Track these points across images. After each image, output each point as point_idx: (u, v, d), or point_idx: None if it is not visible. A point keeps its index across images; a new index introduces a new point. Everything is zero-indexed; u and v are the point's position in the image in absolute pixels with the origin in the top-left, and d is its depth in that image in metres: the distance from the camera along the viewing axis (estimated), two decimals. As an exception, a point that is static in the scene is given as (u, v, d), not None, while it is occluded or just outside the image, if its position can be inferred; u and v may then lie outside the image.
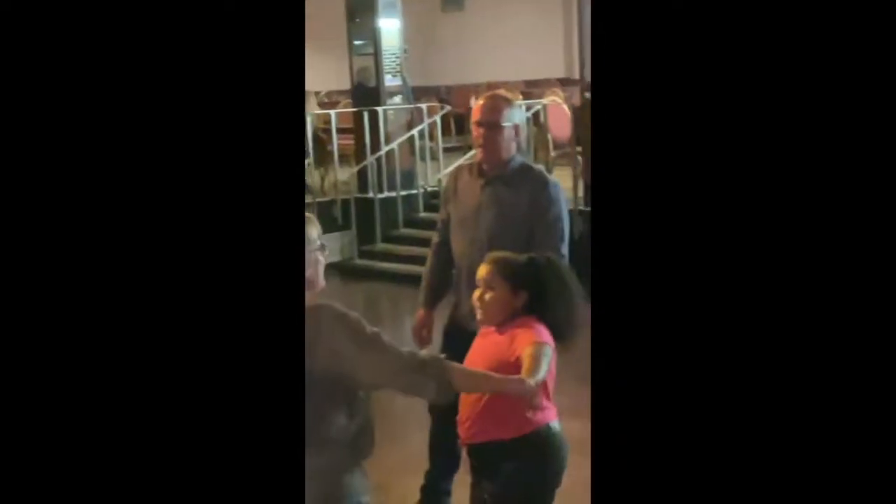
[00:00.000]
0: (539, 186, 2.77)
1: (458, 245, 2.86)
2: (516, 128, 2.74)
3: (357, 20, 8.04)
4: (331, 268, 3.00)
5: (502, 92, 3.24)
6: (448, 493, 3.12)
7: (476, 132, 2.74)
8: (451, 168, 5.25)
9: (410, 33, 8.66)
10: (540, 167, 3.43)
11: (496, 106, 2.75)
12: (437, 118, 7.70)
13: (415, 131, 7.77)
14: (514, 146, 2.76)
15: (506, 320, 2.14)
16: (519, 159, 2.82)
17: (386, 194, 7.66)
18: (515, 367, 1.97)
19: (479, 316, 2.19)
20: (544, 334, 2.06)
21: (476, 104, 2.86)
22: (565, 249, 2.71)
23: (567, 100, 7.68)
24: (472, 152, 3.46)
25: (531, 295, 2.15)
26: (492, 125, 2.69)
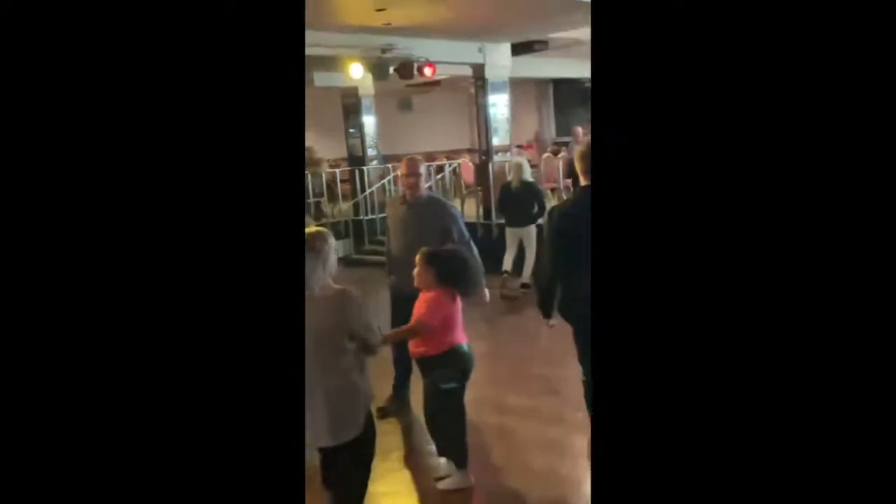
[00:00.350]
0: (441, 207, 3.69)
1: (393, 245, 3.76)
2: (423, 176, 3.66)
3: (350, 117, 10.79)
4: (339, 260, 3.39)
5: (416, 157, 3.95)
6: (407, 388, 4.04)
7: (404, 180, 3.68)
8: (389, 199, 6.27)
9: (381, 124, 11.01)
10: (440, 197, 4.23)
11: (414, 164, 3.69)
12: (398, 173, 9.02)
13: (384, 181, 10.45)
14: (424, 186, 3.67)
15: (430, 287, 2.93)
16: (427, 194, 3.70)
17: (369, 217, 10.21)
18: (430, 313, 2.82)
19: (416, 283, 2.97)
20: (444, 304, 2.86)
21: (402, 164, 3.76)
22: (469, 241, 3.58)
23: (472, 160, 10.35)
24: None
25: (443, 272, 2.91)
26: (412, 175, 3.64)
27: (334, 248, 2.38)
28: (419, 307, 2.96)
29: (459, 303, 3.01)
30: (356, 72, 8.47)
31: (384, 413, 3.88)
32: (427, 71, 8.50)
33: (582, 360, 3.16)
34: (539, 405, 4.16)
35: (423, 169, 3.77)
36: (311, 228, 2.37)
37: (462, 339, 3.04)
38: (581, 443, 3.48)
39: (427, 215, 3.67)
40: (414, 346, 3.01)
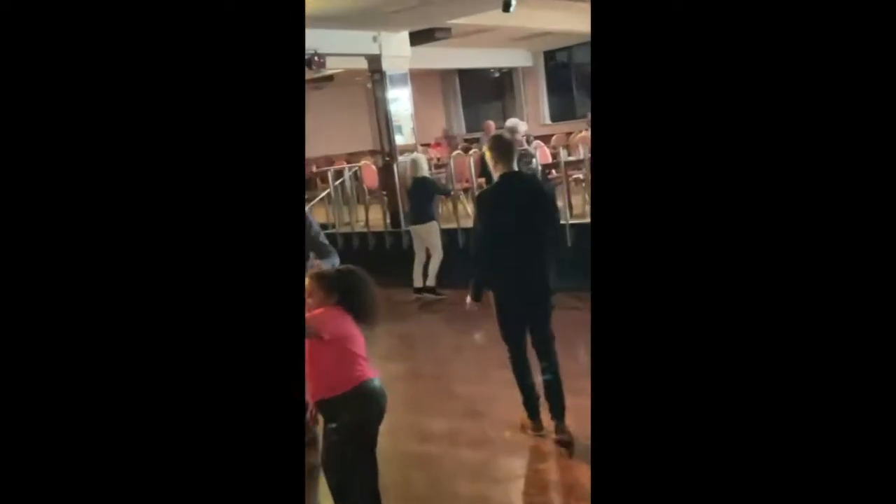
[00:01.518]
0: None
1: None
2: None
3: None
4: None
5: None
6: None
7: None
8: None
9: None
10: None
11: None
12: None
13: None
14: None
15: (322, 305, 2.68)
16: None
17: None
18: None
19: (308, 304, 2.62)
20: (338, 320, 2.67)
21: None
22: (328, 250, 3.55)
23: (374, 163, 10.15)
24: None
25: (342, 293, 2.73)
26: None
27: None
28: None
29: (359, 331, 2.76)
30: None
31: None
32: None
33: (507, 339, 3.58)
34: (462, 427, 4.10)
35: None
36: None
37: (368, 372, 2.73)
38: (511, 465, 3.51)
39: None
40: (313, 389, 2.66)
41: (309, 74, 8.74)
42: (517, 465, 3.54)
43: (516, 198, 3.49)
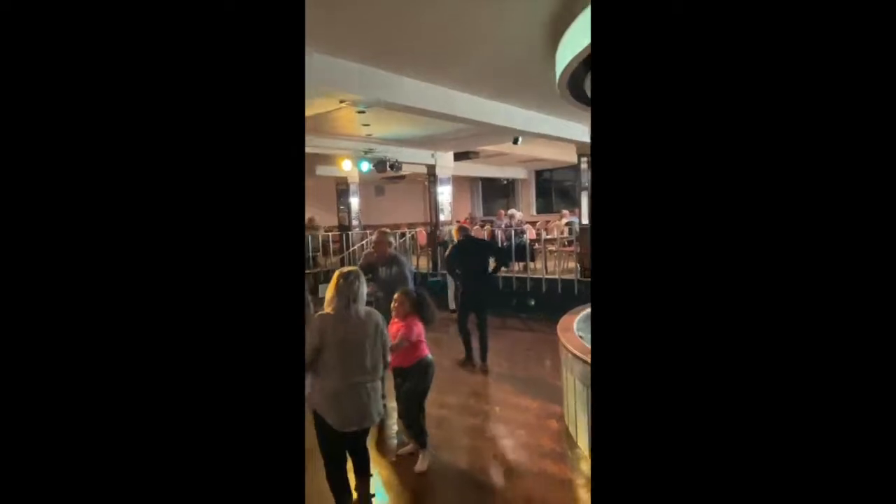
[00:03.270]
0: (401, 263, 3.93)
1: (377, 288, 3.91)
2: (389, 243, 3.97)
3: (340, 198, 11.08)
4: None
5: (383, 230, 4.25)
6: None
7: (376, 246, 3.95)
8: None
9: (362, 203, 11.27)
10: (400, 254, 4.22)
11: (382, 237, 4.01)
12: (372, 238, 10.45)
13: (363, 242, 10.39)
14: (389, 249, 3.96)
15: (405, 315, 2.94)
16: (392, 253, 3.98)
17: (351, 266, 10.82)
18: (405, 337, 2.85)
19: (394, 312, 2.96)
20: (415, 326, 2.87)
21: (374, 236, 4.16)
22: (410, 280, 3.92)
23: (425, 229, 10.49)
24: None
25: (414, 306, 2.95)
26: (380, 243, 3.97)
27: (364, 283, 2.43)
28: (398, 329, 2.97)
29: (423, 328, 3.08)
30: (346, 165, 9.04)
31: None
32: (364, 166, 8.81)
33: (460, 317, 5.11)
34: (467, 402, 4.21)
35: (389, 238, 4.09)
36: (347, 268, 2.44)
37: (426, 352, 3.08)
38: (498, 429, 3.61)
39: (393, 269, 3.97)
40: (393, 363, 2.93)
41: (391, 174, 9.55)
42: (503, 430, 3.55)
43: (470, 245, 5.19)
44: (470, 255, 5.08)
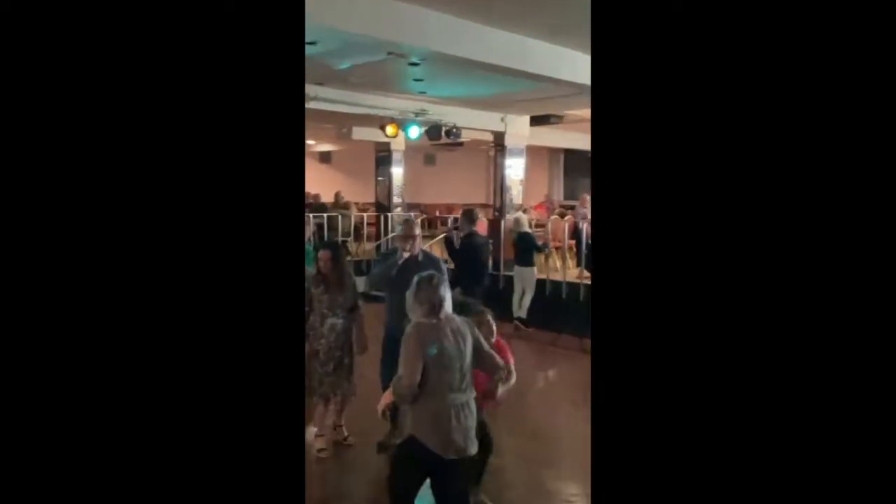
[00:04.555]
0: (435, 261, 3.92)
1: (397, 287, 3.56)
2: (419, 237, 3.95)
3: (380, 167, 11.21)
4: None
5: (411, 218, 4.55)
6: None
7: (401, 242, 3.87)
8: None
9: (407, 175, 11.50)
10: (431, 252, 4.42)
11: (410, 227, 3.94)
12: (418, 220, 10.66)
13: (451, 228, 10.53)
14: (419, 245, 3.94)
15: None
16: (421, 251, 3.95)
17: None
18: None
19: (485, 332, 2.92)
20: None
21: (399, 227, 4.11)
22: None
23: (485, 215, 10.19)
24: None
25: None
26: (411, 238, 3.86)
27: (448, 288, 2.55)
28: (505, 353, 2.93)
29: None
30: (414, 132, 8.89)
31: (382, 448, 3.86)
32: (389, 130, 8.76)
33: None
34: (527, 446, 4.32)
35: (417, 230, 4.02)
36: (428, 274, 2.56)
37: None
38: (570, 489, 3.69)
39: (425, 267, 3.81)
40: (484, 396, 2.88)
41: (446, 141, 9.48)
42: (574, 488, 3.60)
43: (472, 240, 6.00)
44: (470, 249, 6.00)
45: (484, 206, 12.77)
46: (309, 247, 6.69)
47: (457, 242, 6.53)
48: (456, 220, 10.68)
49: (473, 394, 2.54)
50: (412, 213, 10.90)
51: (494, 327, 3.09)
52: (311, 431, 3.98)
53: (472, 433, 2.50)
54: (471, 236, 6.11)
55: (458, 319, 2.55)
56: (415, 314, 2.51)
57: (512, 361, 2.86)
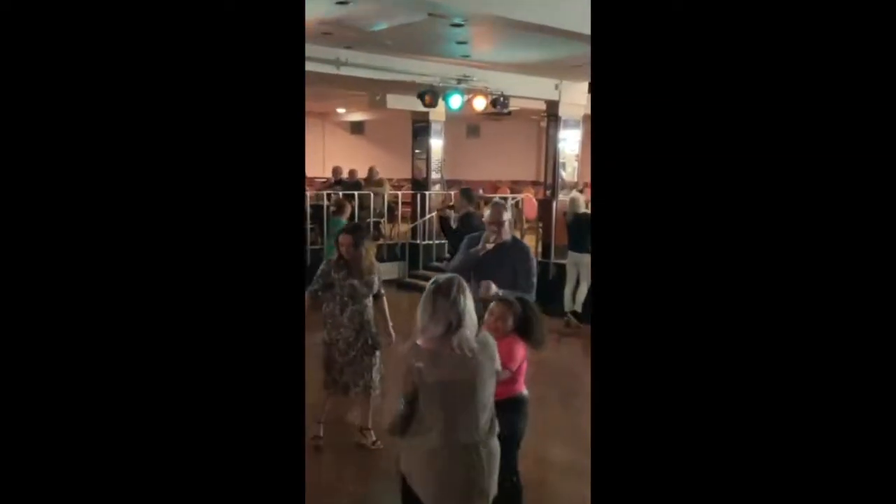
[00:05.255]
0: (523, 250, 3.95)
1: (481, 274, 3.71)
2: (508, 222, 3.87)
3: (417, 138, 11.26)
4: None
5: (499, 200, 4.19)
6: None
7: (489, 227, 3.83)
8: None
9: (447, 148, 11.53)
10: (521, 240, 4.44)
11: (498, 212, 3.88)
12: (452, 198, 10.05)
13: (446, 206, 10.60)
14: (509, 230, 3.88)
15: (504, 334, 2.88)
16: (511, 237, 3.93)
17: (426, 242, 10.52)
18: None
19: (489, 328, 2.77)
20: (518, 350, 2.89)
21: (487, 211, 3.96)
22: (533, 283, 3.83)
23: (535, 195, 10.70)
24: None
25: (519, 322, 2.91)
26: (498, 224, 3.85)
27: (470, 297, 2.25)
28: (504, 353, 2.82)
29: (526, 354, 3.02)
30: (455, 102, 8.83)
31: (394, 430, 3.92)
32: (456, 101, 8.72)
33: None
34: (578, 459, 4.19)
35: (507, 214, 3.92)
36: (444, 277, 2.28)
37: (522, 387, 3.07)
38: None
39: (511, 257, 3.82)
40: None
41: (492, 111, 9.47)
42: None
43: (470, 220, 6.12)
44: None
45: (534, 183, 12.89)
46: (342, 222, 6.83)
47: (454, 222, 6.52)
48: (503, 198, 10.73)
49: (493, 435, 2.26)
50: (499, 197, 10.83)
51: (510, 321, 2.88)
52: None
53: (484, 486, 2.21)
54: (469, 216, 6.17)
55: (477, 341, 2.24)
56: (424, 333, 2.22)
57: (513, 366, 2.78)
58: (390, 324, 4.14)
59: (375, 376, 4.10)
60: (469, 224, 6.08)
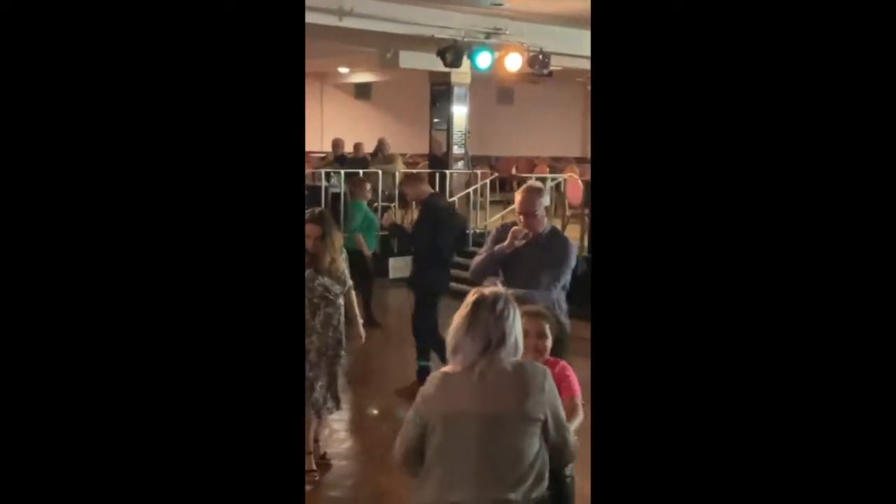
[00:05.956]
0: (563, 245, 3.91)
1: (510, 274, 3.80)
2: (545, 209, 3.87)
3: (437, 105, 11.16)
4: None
5: (534, 184, 4.29)
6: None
7: (519, 218, 3.82)
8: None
9: (473, 117, 11.48)
10: (562, 232, 4.50)
11: (531, 199, 3.82)
12: (487, 182, 10.42)
13: (470, 190, 10.81)
14: (545, 221, 3.86)
15: (542, 354, 2.72)
16: (549, 227, 3.94)
17: None
18: None
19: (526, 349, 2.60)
20: (571, 376, 2.77)
21: (518, 197, 3.91)
22: (568, 283, 3.85)
23: (581, 175, 10.28)
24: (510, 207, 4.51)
25: (555, 342, 2.79)
26: (529, 214, 3.80)
27: (518, 316, 2.22)
28: (562, 383, 2.65)
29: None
30: (484, 60, 8.76)
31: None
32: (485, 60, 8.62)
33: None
34: None
35: (544, 200, 3.91)
36: (490, 290, 2.26)
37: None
38: None
39: (549, 251, 3.82)
40: None
41: (529, 71, 9.28)
42: None
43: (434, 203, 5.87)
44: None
45: (579, 160, 12.70)
46: (364, 207, 6.59)
47: (407, 224, 6.50)
48: (541, 179, 10.33)
49: (543, 485, 2.14)
50: (535, 178, 10.61)
51: (549, 341, 2.73)
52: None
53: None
54: (434, 198, 5.84)
55: (517, 367, 2.16)
56: (454, 356, 2.18)
57: (578, 394, 2.64)
58: (360, 321, 4.31)
59: (341, 381, 4.20)
60: (436, 209, 5.73)
